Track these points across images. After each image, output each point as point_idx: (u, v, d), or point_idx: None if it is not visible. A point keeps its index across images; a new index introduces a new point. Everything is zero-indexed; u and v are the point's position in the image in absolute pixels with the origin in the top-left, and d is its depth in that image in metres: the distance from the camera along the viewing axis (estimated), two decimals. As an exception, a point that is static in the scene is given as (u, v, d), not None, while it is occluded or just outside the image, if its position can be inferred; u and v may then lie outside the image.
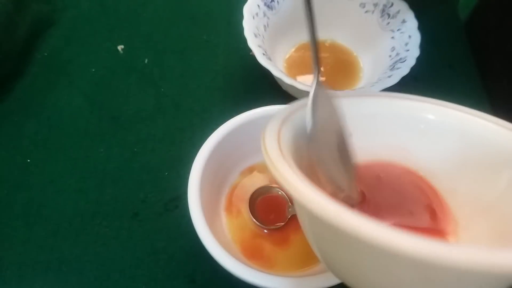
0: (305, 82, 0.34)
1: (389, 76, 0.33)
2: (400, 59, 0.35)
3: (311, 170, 0.22)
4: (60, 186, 0.35)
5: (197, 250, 0.26)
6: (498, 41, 0.42)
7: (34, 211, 0.34)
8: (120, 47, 0.43)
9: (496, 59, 0.42)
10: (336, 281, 0.24)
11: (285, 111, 0.23)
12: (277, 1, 0.38)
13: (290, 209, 0.32)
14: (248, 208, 0.32)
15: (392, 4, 0.38)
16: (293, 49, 0.42)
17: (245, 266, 0.25)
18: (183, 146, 0.37)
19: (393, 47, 0.37)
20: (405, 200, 0.24)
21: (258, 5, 0.37)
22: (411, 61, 0.34)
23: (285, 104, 0.26)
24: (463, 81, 0.41)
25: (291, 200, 0.32)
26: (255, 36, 0.35)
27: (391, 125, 0.25)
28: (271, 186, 0.33)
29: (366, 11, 0.39)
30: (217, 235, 0.27)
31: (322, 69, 0.40)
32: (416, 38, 0.35)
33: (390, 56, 0.37)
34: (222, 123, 0.30)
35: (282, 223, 0.32)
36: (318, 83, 0.23)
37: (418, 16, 0.36)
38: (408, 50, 0.35)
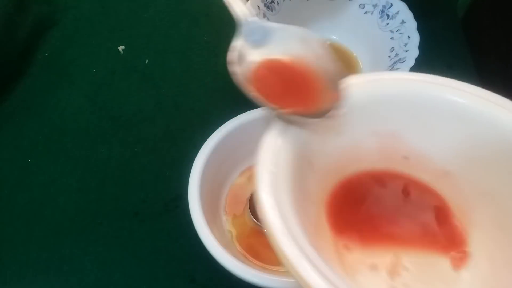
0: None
1: (389, 77, 0.33)
2: (400, 59, 0.35)
3: (311, 169, 0.23)
4: (61, 186, 0.35)
5: (197, 249, 0.26)
6: (492, 41, 0.42)
7: (35, 211, 0.34)
8: (121, 48, 0.43)
9: (490, 59, 0.42)
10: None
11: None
12: (277, 2, 0.38)
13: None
14: (248, 208, 0.32)
15: (391, 5, 0.38)
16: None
17: (245, 266, 0.25)
18: (184, 146, 0.37)
19: (392, 48, 0.37)
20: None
21: (258, 6, 0.37)
22: (410, 62, 0.34)
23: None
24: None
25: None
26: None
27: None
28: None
29: (366, 12, 0.40)
30: (217, 235, 0.27)
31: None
32: (415, 38, 0.35)
33: (389, 56, 0.37)
34: (223, 124, 0.30)
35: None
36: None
37: (417, 17, 0.36)
38: (407, 51, 0.35)
